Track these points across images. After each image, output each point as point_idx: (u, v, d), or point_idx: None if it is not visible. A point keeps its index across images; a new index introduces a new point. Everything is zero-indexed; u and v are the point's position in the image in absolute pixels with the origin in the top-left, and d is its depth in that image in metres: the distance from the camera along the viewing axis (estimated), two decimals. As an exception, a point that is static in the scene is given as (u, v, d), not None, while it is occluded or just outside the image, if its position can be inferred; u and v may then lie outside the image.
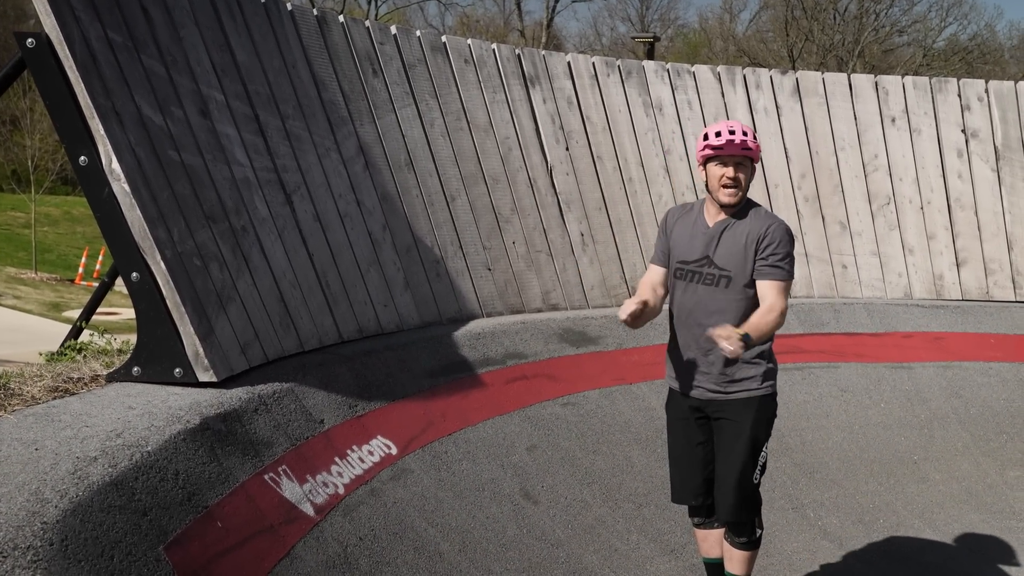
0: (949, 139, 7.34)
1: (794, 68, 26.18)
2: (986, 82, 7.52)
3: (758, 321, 3.47)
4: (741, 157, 3.56)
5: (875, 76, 7.47)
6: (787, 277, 3.57)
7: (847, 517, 5.24)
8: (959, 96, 7.40)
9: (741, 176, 3.57)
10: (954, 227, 7.29)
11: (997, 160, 7.34)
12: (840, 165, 7.21)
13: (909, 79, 7.46)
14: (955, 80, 7.50)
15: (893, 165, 7.27)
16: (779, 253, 3.56)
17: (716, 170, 3.59)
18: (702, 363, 3.69)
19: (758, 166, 6.95)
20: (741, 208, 3.66)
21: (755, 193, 6.90)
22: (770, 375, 3.71)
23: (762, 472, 3.74)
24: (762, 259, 3.56)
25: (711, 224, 3.67)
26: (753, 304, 3.60)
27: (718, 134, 3.54)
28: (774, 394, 3.74)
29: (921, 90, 7.37)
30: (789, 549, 4.82)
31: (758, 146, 3.59)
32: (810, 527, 5.07)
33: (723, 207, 3.63)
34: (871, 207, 7.23)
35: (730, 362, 3.63)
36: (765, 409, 3.70)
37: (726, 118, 7.01)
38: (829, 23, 39.57)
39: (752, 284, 3.60)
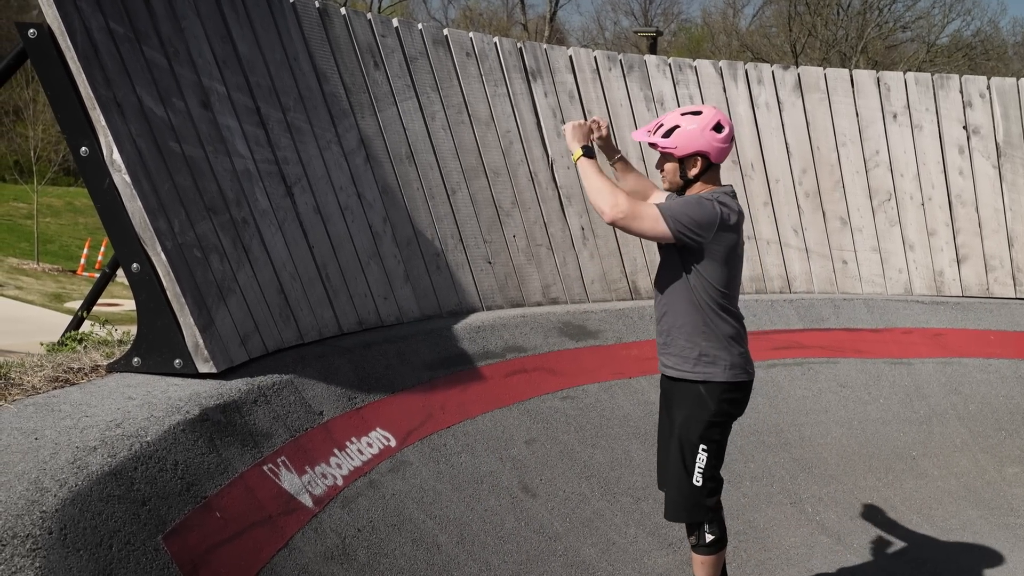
0: (951, 135, 7.34)
1: (797, 63, 26.13)
2: (988, 79, 7.51)
3: (601, 176, 3.55)
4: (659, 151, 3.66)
5: (877, 72, 7.46)
6: (665, 212, 3.45)
7: (845, 512, 5.25)
8: (961, 92, 7.39)
9: (663, 167, 3.66)
10: (955, 223, 7.29)
11: (998, 157, 7.34)
12: (841, 161, 7.21)
13: (911, 75, 7.45)
14: (957, 76, 7.49)
15: (894, 161, 7.27)
16: (675, 200, 3.60)
17: None
18: (658, 334, 3.75)
19: (760, 161, 7.00)
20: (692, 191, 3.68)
21: (756, 188, 6.93)
22: (704, 360, 3.57)
23: (706, 477, 3.59)
24: None
25: None
26: (697, 285, 3.55)
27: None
28: (713, 384, 3.57)
29: (923, 86, 7.37)
30: (787, 543, 4.83)
31: (667, 144, 3.58)
32: (808, 522, 5.08)
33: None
34: (872, 203, 7.23)
35: (663, 332, 3.68)
36: (698, 407, 3.58)
37: (727, 113, 7.01)
38: (832, 18, 39.49)
39: (682, 265, 3.56)
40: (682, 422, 3.61)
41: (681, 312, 3.60)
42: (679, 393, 3.66)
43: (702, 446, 3.59)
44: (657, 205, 3.52)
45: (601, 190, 3.49)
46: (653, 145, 3.61)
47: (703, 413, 3.58)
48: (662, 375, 3.82)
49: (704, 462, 3.59)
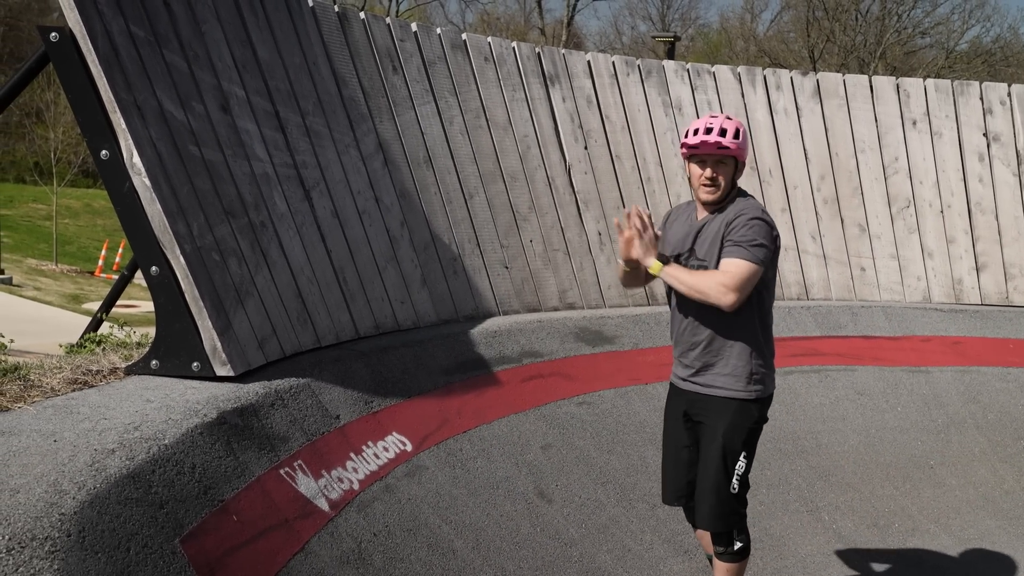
0: (970, 143, 7.29)
1: (815, 69, 26.04)
2: (1009, 86, 7.47)
3: (693, 272, 3.45)
4: (720, 156, 3.50)
5: (896, 78, 7.43)
6: (747, 256, 3.41)
7: (862, 521, 5.21)
8: (981, 99, 7.35)
9: (719, 175, 3.52)
10: (974, 231, 7.24)
11: (1019, 164, 7.29)
12: (860, 167, 7.18)
13: (931, 82, 7.41)
14: (977, 83, 7.45)
15: (913, 168, 7.23)
16: (740, 232, 3.44)
17: (695, 169, 3.57)
18: (687, 356, 3.68)
19: (779, 167, 6.97)
20: (729, 200, 3.59)
21: (774, 194, 6.90)
22: (754, 379, 3.59)
23: (741, 484, 3.62)
24: (727, 241, 3.48)
25: (699, 218, 3.66)
26: (758, 305, 3.57)
27: (695, 132, 3.50)
28: (757, 400, 3.61)
29: (943, 93, 7.33)
30: (803, 552, 4.81)
31: (739, 145, 3.48)
32: (825, 530, 5.06)
33: (704, 204, 3.61)
34: (891, 210, 7.19)
35: (708, 354, 3.61)
36: (742, 416, 3.59)
37: (746, 119, 6.98)
38: (851, 24, 39.34)
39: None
40: (726, 431, 3.58)
41: (737, 334, 3.56)
42: (718, 406, 3.62)
43: (743, 453, 3.62)
44: (727, 250, 3.44)
45: (700, 284, 3.41)
46: (725, 148, 3.46)
47: (747, 421, 3.61)
48: (677, 388, 3.79)
49: (743, 469, 3.63)
